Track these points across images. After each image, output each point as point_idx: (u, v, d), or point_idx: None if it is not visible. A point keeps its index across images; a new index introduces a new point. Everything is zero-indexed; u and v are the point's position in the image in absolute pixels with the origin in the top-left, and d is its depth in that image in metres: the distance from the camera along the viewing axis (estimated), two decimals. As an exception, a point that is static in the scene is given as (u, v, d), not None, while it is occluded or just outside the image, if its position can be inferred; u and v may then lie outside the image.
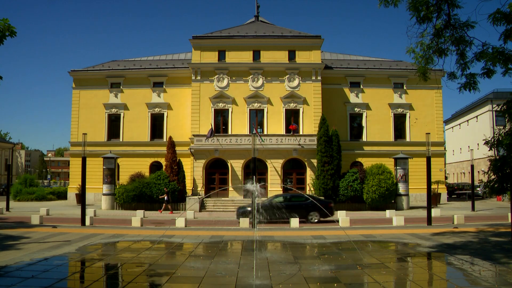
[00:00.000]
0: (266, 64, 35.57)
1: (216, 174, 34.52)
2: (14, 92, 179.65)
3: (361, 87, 37.33)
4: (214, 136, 33.23)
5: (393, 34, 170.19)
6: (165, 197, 29.49)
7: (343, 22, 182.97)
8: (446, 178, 48.51)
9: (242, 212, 23.08)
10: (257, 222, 22.17)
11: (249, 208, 23.12)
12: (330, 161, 31.25)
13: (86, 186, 22.01)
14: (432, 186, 25.57)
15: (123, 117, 37.82)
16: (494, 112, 50.32)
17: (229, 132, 34.98)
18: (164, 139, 36.40)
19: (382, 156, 34.84)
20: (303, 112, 35.29)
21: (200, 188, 33.10)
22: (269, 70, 35.63)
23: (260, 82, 35.56)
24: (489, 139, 13.56)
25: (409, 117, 37.18)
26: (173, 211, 29.54)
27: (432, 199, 24.93)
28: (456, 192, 47.12)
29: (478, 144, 47.79)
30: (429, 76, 12.53)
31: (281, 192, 31.16)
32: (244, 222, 20.54)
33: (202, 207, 31.27)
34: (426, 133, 23.56)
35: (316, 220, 22.65)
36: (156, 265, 11.35)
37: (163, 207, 29.50)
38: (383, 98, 37.17)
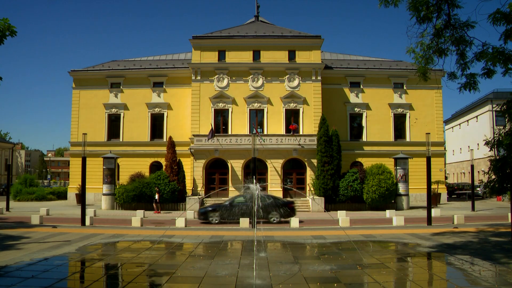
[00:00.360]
0: (266, 64, 35.56)
1: (216, 174, 34.51)
2: (14, 92, 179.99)
3: (361, 87, 37.32)
4: (214, 136, 33.23)
5: (393, 34, 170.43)
6: (156, 197, 29.51)
7: (343, 22, 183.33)
8: (446, 178, 48.51)
9: (202, 213, 22.91)
10: (217, 222, 22.18)
11: (210, 208, 23.08)
12: (330, 161, 31.25)
13: (86, 186, 22.02)
14: (432, 186, 25.56)
15: (123, 117, 37.82)
16: (494, 112, 50.32)
17: (229, 132, 34.98)
18: (164, 139, 36.39)
19: (382, 156, 34.84)
20: (303, 112, 35.28)
21: (200, 188, 33.09)
22: (269, 70, 35.62)
23: (260, 82, 35.56)
24: (489, 139, 13.59)
25: (409, 117, 37.18)
26: (160, 211, 29.35)
27: (432, 199, 24.92)
28: (456, 192, 47.14)
29: (478, 144, 47.85)
30: (429, 76, 12.52)
31: (281, 193, 31.21)
32: (244, 222, 20.51)
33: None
34: (426, 133, 23.57)
35: (276, 221, 21.97)
36: (156, 265, 11.35)
37: (158, 208, 29.49)
38: (383, 98, 37.17)
